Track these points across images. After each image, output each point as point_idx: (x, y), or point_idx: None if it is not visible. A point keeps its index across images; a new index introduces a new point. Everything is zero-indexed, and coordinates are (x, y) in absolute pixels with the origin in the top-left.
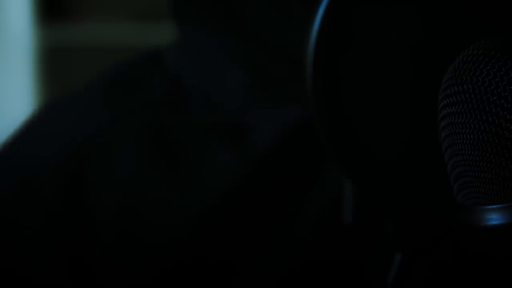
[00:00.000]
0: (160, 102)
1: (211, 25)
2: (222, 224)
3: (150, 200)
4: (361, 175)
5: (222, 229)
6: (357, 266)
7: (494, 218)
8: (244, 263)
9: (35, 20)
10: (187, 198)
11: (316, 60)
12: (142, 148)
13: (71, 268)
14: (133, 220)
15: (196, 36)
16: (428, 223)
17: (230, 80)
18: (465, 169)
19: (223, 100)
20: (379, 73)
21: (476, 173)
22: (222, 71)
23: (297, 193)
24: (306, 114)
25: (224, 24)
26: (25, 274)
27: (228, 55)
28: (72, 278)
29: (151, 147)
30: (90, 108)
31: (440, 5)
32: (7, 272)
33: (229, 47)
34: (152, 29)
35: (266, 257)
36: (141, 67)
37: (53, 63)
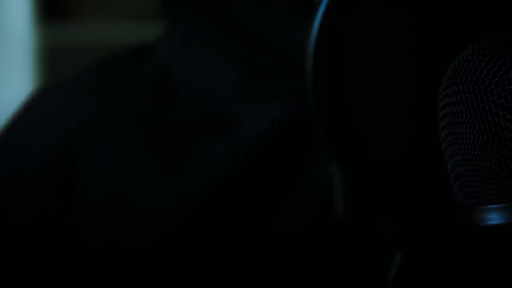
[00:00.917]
0: (149, 92)
1: (200, 20)
2: (208, 218)
3: (137, 191)
4: (361, 175)
5: (208, 224)
6: (347, 264)
7: (494, 218)
8: (229, 261)
9: (35, 20)
10: (173, 190)
11: (316, 60)
12: (129, 138)
13: (67, 265)
14: (121, 214)
15: (185, 30)
16: (428, 223)
17: (218, 74)
18: (465, 169)
19: (211, 94)
20: (378, 73)
21: (476, 173)
22: (210, 65)
23: (283, 190)
24: (293, 110)
25: (213, 19)
26: (18, 271)
27: (216, 50)
28: (68, 275)
29: (138, 138)
30: (78, 97)
31: (440, 5)
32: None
33: (217, 42)
34: (152, 29)
35: (251, 254)
36: (130, 59)
37: (53, 63)
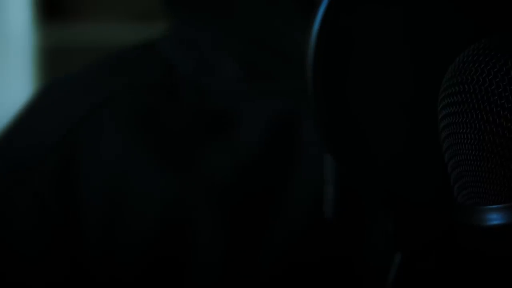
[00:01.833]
0: (152, 86)
1: (203, 17)
2: (208, 218)
3: (136, 189)
4: (362, 175)
5: (208, 224)
6: (345, 265)
7: (494, 218)
8: (227, 261)
9: (35, 20)
10: (173, 189)
11: (316, 59)
12: (130, 130)
13: (67, 265)
14: (121, 213)
15: (188, 27)
16: (428, 223)
17: (221, 70)
18: (465, 169)
19: (213, 89)
20: (379, 73)
21: (476, 173)
22: (213, 61)
23: (279, 188)
24: (292, 108)
25: (216, 17)
26: (18, 270)
27: (218, 47)
28: (68, 275)
29: (140, 130)
30: (80, 92)
31: (440, 5)
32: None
33: (220, 40)
34: (152, 29)
35: (251, 254)
36: (135, 54)
37: (53, 63)
